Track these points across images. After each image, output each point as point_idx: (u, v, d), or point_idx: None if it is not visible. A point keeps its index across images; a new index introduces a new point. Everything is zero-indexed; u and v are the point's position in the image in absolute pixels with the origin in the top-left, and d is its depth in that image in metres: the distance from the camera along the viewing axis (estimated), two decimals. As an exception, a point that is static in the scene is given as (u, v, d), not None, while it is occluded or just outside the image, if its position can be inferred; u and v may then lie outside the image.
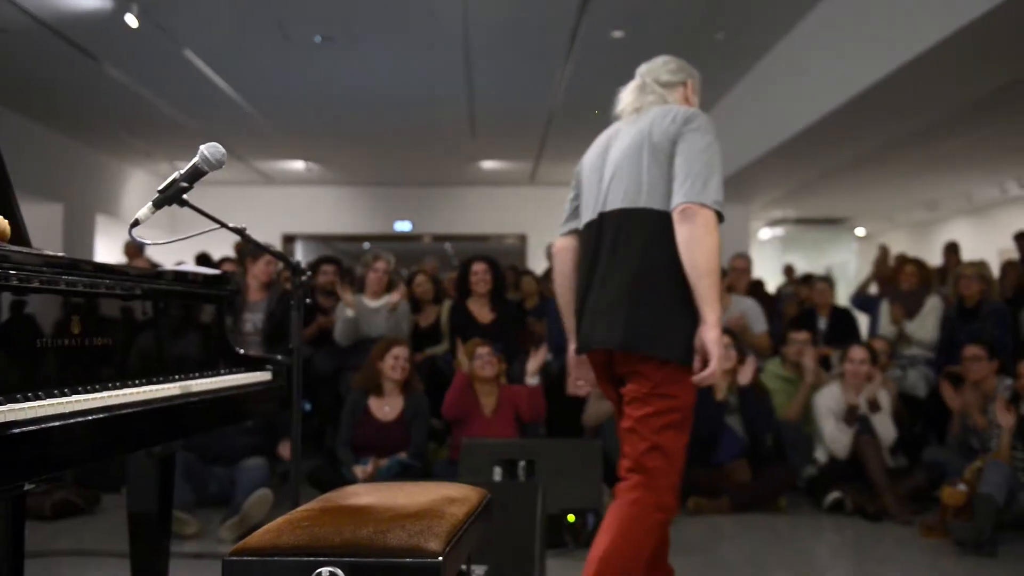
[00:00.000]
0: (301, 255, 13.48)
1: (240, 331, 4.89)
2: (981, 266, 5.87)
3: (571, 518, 3.83)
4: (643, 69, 2.72)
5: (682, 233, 2.31)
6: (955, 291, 5.84)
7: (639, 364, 2.37)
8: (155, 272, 2.48)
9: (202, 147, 2.04)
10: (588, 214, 2.58)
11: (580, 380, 2.69)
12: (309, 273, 2.52)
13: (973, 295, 5.65)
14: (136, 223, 2.02)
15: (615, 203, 2.46)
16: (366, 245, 14.95)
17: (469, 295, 5.59)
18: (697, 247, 2.28)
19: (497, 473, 3.88)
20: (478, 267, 5.55)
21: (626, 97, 2.67)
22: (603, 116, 2.81)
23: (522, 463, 3.91)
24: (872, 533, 4.34)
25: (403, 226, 13.37)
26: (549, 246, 10.42)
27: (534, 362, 4.73)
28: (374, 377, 4.74)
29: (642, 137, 2.45)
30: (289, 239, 13.20)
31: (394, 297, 5.49)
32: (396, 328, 5.42)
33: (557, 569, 3.50)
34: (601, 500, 3.95)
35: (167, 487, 2.56)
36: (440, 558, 1.58)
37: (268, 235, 11.64)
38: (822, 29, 6.95)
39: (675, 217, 2.33)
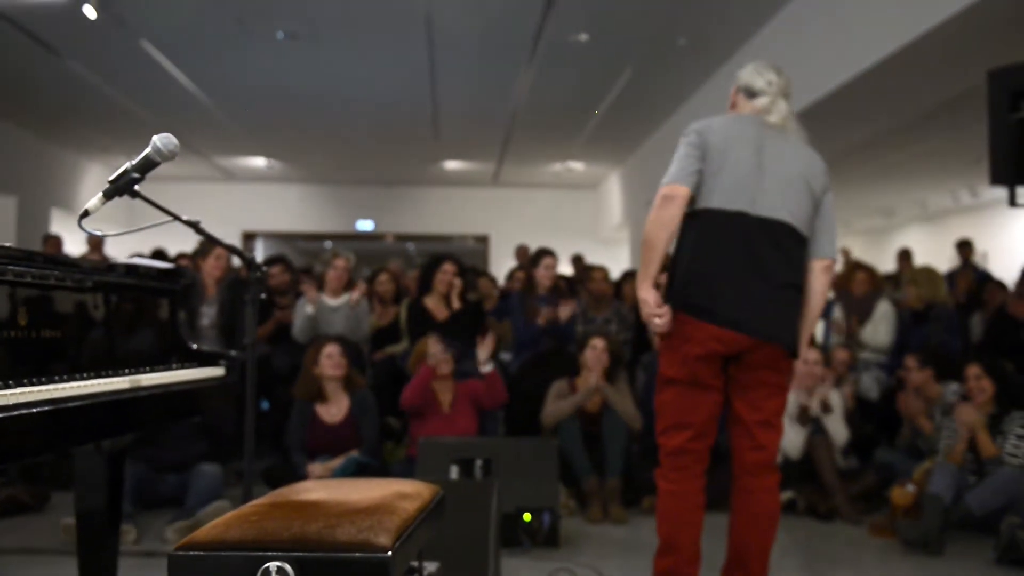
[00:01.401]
0: (262, 253, 13.36)
1: (196, 326, 4.84)
2: (930, 272, 6.00)
3: (527, 517, 3.84)
4: (780, 80, 2.90)
5: (824, 283, 2.84)
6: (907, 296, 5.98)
7: (783, 360, 2.75)
8: (106, 265, 2.45)
9: (155, 137, 2.02)
10: (739, 203, 2.70)
11: (662, 320, 2.75)
12: (265, 268, 2.50)
13: (912, 302, 5.80)
14: (86, 214, 1.99)
15: (782, 215, 2.71)
16: (328, 244, 14.86)
17: (429, 292, 5.57)
18: (825, 295, 2.86)
19: (454, 472, 3.88)
20: (449, 267, 5.51)
21: (779, 104, 2.85)
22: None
23: (479, 462, 3.93)
24: (823, 533, 4.40)
25: (365, 225, 13.31)
26: (518, 247, 10.44)
27: (484, 350, 4.70)
28: (313, 384, 4.69)
29: (801, 174, 2.76)
30: (250, 236, 13.07)
31: (355, 294, 5.46)
32: (355, 327, 5.39)
33: (513, 568, 3.51)
34: (557, 499, 3.97)
35: (116, 484, 2.52)
36: (389, 553, 1.58)
37: (228, 232, 11.51)
38: (780, 38, 7.05)
39: (822, 266, 2.82)
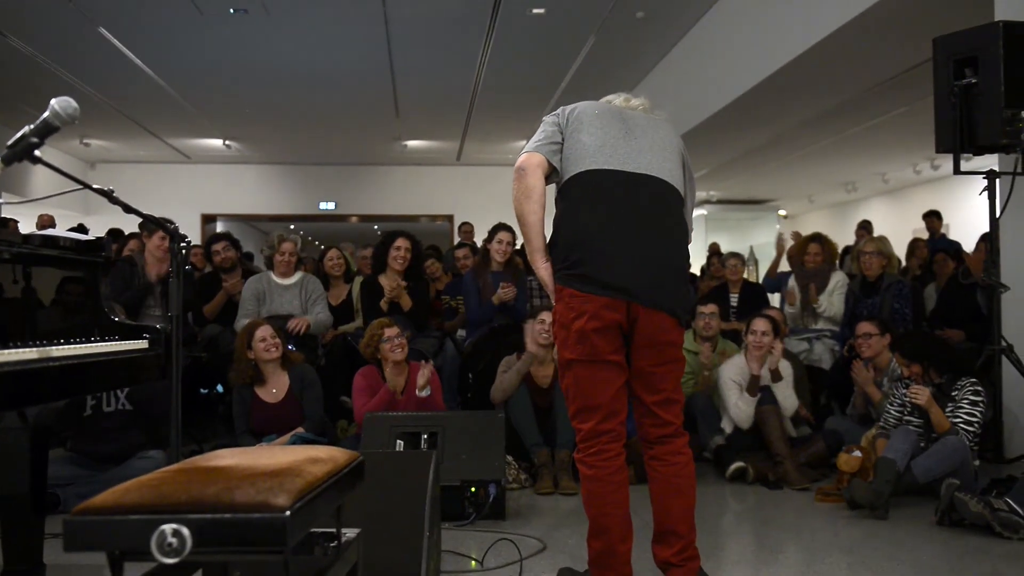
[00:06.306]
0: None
1: (144, 306, 4.77)
2: (881, 242, 6.03)
3: (472, 489, 3.83)
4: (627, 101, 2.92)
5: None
6: (857, 267, 6.01)
7: (674, 331, 2.67)
8: (23, 236, 2.40)
9: (53, 100, 1.97)
10: (612, 163, 2.63)
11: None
12: (188, 239, 2.46)
13: (874, 271, 5.81)
14: (-16, 180, 1.94)
15: (658, 172, 2.65)
16: (291, 227, 14.74)
17: (384, 269, 5.54)
18: None
19: (399, 446, 3.86)
20: (402, 242, 5.49)
21: (635, 99, 2.90)
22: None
23: (424, 435, 3.91)
24: (772, 500, 4.43)
25: (328, 206, 13.20)
26: (462, 224, 10.34)
27: (422, 377, 4.57)
28: (248, 369, 4.63)
29: (671, 143, 2.76)
30: (209, 219, 12.92)
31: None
32: (307, 305, 5.35)
33: (457, 539, 3.51)
34: (503, 471, 3.96)
35: (40, 462, 2.48)
36: (287, 513, 1.56)
37: (187, 215, 11.39)
38: (738, 10, 7.05)
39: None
